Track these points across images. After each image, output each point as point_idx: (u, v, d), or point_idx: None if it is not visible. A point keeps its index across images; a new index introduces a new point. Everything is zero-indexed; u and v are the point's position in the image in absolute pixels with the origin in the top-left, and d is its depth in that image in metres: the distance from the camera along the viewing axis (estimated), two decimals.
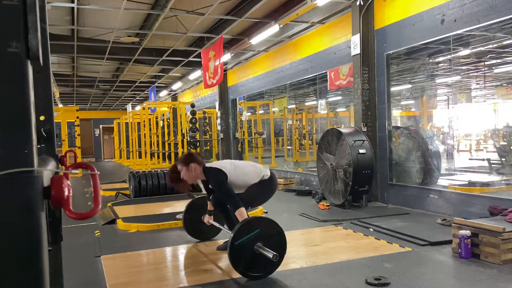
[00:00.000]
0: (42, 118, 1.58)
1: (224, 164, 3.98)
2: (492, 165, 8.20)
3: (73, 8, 7.55)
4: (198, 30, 9.53)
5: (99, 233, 5.29)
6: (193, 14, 7.96)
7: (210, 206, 4.36)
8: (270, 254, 3.27)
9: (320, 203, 6.74)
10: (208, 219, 4.37)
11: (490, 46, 7.25)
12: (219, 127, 13.86)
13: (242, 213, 3.61)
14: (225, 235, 4.69)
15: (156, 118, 16.64)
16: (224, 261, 3.99)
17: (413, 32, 6.10)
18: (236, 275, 3.58)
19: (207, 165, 4.00)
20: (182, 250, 4.49)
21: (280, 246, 3.47)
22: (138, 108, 21.95)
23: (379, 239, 4.54)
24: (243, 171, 3.99)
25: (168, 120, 16.24)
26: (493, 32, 5.73)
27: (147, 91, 18.08)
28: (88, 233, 5.32)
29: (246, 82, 12.28)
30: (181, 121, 13.59)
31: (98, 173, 1.03)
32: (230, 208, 3.88)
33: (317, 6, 7.26)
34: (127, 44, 10.44)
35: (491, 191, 6.26)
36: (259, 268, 3.43)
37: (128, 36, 9.81)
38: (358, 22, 6.89)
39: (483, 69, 9.30)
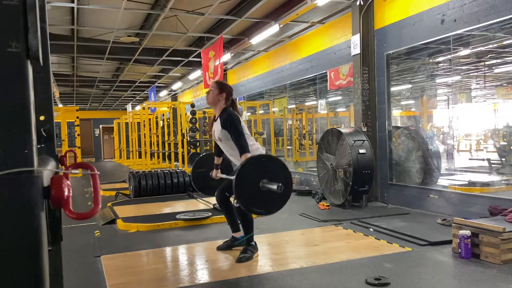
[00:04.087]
0: (42, 118, 1.58)
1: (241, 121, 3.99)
2: (492, 165, 8.20)
3: (73, 8, 7.55)
4: (198, 30, 9.53)
5: (99, 233, 5.29)
6: (193, 14, 7.96)
7: (217, 160, 4.34)
8: (274, 185, 3.26)
9: (320, 203, 6.74)
10: (216, 173, 4.35)
11: (490, 46, 7.25)
12: None
13: (248, 157, 3.64)
14: (225, 235, 4.69)
15: (156, 118, 16.64)
16: (224, 261, 3.99)
17: (413, 32, 6.11)
18: (236, 275, 3.58)
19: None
20: (182, 250, 4.49)
21: (286, 183, 3.44)
22: (138, 108, 21.95)
23: (379, 239, 4.54)
24: (249, 138, 3.98)
25: (168, 120, 16.24)
26: (493, 32, 5.73)
27: (147, 91, 18.09)
28: (88, 233, 5.32)
29: (246, 82, 12.28)
30: (181, 121, 13.59)
31: (98, 173, 1.03)
32: (238, 149, 3.80)
33: (317, 6, 7.26)
34: (127, 44, 10.45)
35: (491, 191, 6.26)
36: (262, 205, 3.44)
37: (128, 36, 9.82)
38: (358, 22, 6.89)
39: (483, 69, 9.30)
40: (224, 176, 4.24)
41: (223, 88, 4.00)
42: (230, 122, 3.81)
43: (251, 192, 3.36)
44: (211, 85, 4.07)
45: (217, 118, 3.99)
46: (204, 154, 4.76)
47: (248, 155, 3.65)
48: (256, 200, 3.38)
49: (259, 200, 3.39)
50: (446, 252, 4.02)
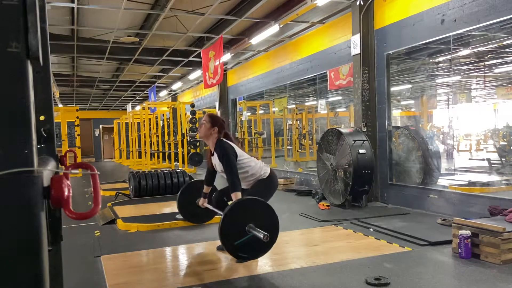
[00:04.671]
0: (42, 118, 1.58)
1: (236, 148, 4.02)
2: (492, 165, 8.20)
3: (73, 8, 7.55)
4: (198, 30, 9.53)
5: (99, 233, 5.29)
6: (193, 14, 7.96)
7: (206, 189, 4.38)
8: (261, 234, 3.31)
9: (320, 203, 6.74)
10: (203, 202, 4.39)
11: (490, 46, 7.25)
12: None
13: (238, 197, 3.69)
14: None
15: (156, 118, 16.63)
16: (224, 261, 3.99)
17: (413, 32, 6.11)
18: (236, 275, 3.58)
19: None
20: (182, 250, 4.49)
21: (272, 230, 3.50)
22: (138, 108, 21.95)
23: (379, 239, 4.54)
24: (249, 160, 4.03)
25: (168, 120, 16.25)
26: (493, 32, 5.72)
27: (147, 91, 18.08)
28: (88, 233, 5.32)
29: (246, 82, 12.28)
30: (181, 121, 13.59)
31: (98, 173, 1.03)
32: (228, 186, 3.86)
33: (317, 6, 7.26)
34: (127, 44, 10.45)
35: (491, 191, 6.26)
36: (248, 250, 3.51)
37: (128, 36, 9.81)
38: (358, 22, 6.89)
39: (483, 69, 9.30)
40: (210, 207, 4.29)
41: (215, 122, 4.03)
42: (223, 156, 3.87)
43: (237, 236, 3.39)
44: (203, 118, 4.11)
45: (213, 152, 4.05)
46: (194, 180, 4.82)
47: (239, 194, 3.71)
48: (242, 245, 3.45)
49: (245, 244, 3.45)
50: (446, 252, 4.02)
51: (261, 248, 3.51)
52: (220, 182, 4.55)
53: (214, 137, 4.01)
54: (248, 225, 3.41)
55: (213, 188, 4.56)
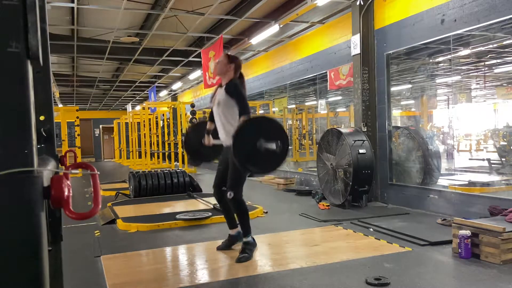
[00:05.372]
0: (42, 118, 1.58)
1: None
2: (492, 165, 8.20)
3: (73, 8, 7.55)
4: (198, 30, 9.54)
5: (99, 233, 5.29)
6: (193, 14, 7.96)
7: (209, 125, 4.32)
8: (273, 144, 3.38)
9: (320, 203, 6.74)
10: (208, 140, 4.32)
11: (490, 46, 7.25)
12: None
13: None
14: (225, 235, 4.69)
15: (156, 118, 16.63)
16: (224, 261, 3.99)
17: (413, 32, 6.10)
18: (236, 275, 3.58)
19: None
20: (182, 250, 4.49)
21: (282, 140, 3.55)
22: (138, 108, 21.96)
23: (379, 239, 4.54)
24: None
25: (168, 120, 16.24)
26: (493, 32, 5.73)
27: (147, 91, 18.09)
28: (88, 233, 5.31)
29: (246, 82, 12.25)
30: (181, 121, 13.59)
31: (98, 173, 1.03)
32: (239, 109, 3.87)
33: (317, 6, 7.26)
34: (127, 44, 10.45)
35: (491, 191, 6.26)
36: (258, 164, 3.55)
37: (128, 36, 9.82)
38: (358, 22, 6.89)
39: (483, 69, 9.30)
40: (216, 141, 4.23)
41: (232, 59, 4.12)
42: (235, 87, 3.93)
43: (248, 151, 3.45)
44: (220, 57, 4.19)
45: (223, 86, 4.07)
46: (199, 121, 4.76)
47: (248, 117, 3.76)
48: (253, 159, 3.49)
49: (255, 159, 3.50)
50: (446, 252, 4.02)
51: (271, 161, 3.54)
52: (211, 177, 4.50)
53: (230, 74, 4.07)
54: (259, 141, 3.46)
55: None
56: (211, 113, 4.28)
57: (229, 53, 4.26)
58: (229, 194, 3.90)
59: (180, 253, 4.43)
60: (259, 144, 3.45)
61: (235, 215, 4.14)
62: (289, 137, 3.71)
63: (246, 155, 3.48)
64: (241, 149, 3.46)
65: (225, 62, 4.07)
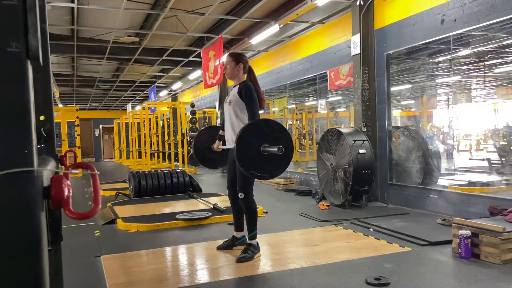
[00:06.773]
0: (42, 118, 1.58)
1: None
2: (492, 165, 8.19)
3: (73, 8, 7.55)
4: (198, 30, 9.54)
5: (99, 233, 5.29)
6: (193, 14, 7.96)
7: (222, 133, 4.34)
8: (275, 148, 3.36)
9: (320, 203, 6.74)
10: (218, 145, 4.36)
11: (490, 46, 7.25)
12: None
13: None
14: (225, 235, 4.69)
15: (156, 118, 16.63)
16: (224, 261, 3.99)
17: (413, 32, 6.10)
18: (236, 275, 3.58)
19: None
20: (182, 250, 4.49)
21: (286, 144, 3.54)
22: (138, 108, 21.96)
23: (379, 239, 4.54)
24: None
25: (168, 120, 16.24)
26: (493, 32, 5.72)
27: (147, 91, 18.09)
28: (88, 233, 5.32)
29: None
30: (181, 121, 13.59)
31: (98, 173, 1.03)
32: (248, 114, 3.90)
33: (317, 6, 7.26)
34: (127, 44, 10.45)
35: (491, 191, 6.26)
36: (264, 168, 3.54)
37: (128, 36, 9.82)
38: (358, 22, 6.89)
39: (483, 69, 9.30)
40: (225, 147, 4.27)
41: (238, 58, 4.09)
42: (246, 91, 3.92)
43: (252, 156, 3.45)
44: (226, 58, 4.15)
45: (236, 86, 4.08)
46: (207, 126, 4.76)
47: None
48: (258, 164, 3.48)
49: (260, 164, 3.49)
50: (446, 252, 4.02)
51: (277, 165, 3.54)
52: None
53: (241, 74, 4.07)
54: (262, 146, 3.46)
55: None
56: (222, 120, 4.32)
57: (231, 51, 4.22)
58: (240, 195, 3.95)
59: (180, 253, 4.43)
60: (262, 149, 3.45)
61: (244, 217, 4.14)
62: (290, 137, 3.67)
63: (251, 162, 3.47)
64: (244, 156, 3.45)
65: (233, 64, 4.06)
